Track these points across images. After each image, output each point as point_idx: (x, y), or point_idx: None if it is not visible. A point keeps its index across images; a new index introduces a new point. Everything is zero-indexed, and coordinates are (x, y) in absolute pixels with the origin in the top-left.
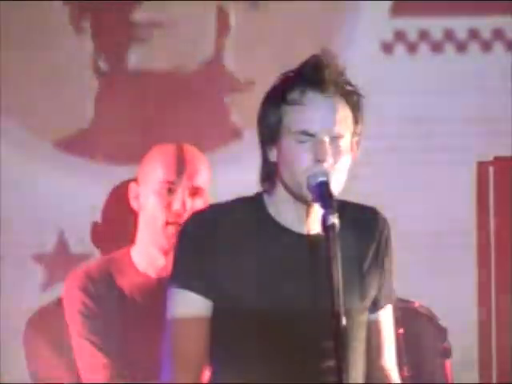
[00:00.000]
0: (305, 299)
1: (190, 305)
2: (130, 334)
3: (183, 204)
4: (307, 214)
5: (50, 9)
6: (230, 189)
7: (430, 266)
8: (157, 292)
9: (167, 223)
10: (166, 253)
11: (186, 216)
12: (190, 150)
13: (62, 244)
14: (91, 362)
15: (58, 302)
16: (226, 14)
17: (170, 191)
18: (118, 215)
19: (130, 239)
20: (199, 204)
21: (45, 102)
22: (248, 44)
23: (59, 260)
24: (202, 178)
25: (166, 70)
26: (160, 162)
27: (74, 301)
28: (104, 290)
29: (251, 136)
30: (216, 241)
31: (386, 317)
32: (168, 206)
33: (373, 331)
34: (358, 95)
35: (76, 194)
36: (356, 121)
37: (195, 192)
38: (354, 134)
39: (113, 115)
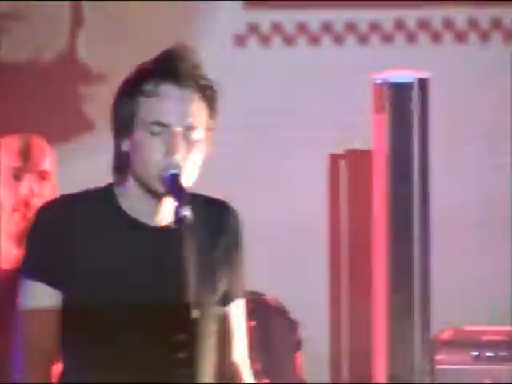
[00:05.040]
0: (155, 292)
1: (38, 296)
2: None
3: (30, 189)
4: (159, 206)
5: None
6: (81, 180)
7: (285, 260)
8: (12, 285)
9: (14, 210)
10: (18, 243)
11: (33, 201)
12: (34, 139)
13: None
14: None
15: None
16: (81, 7)
17: (17, 177)
18: None
19: None
20: (48, 188)
21: None
22: (104, 37)
23: None
24: (49, 163)
25: (22, 61)
26: (4, 151)
27: None
28: None
29: (104, 128)
30: (65, 232)
31: (236, 311)
32: (15, 192)
33: (223, 325)
34: (213, 90)
35: None
36: (210, 115)
37: (43, 176)
38: (208, 128)
39: None
